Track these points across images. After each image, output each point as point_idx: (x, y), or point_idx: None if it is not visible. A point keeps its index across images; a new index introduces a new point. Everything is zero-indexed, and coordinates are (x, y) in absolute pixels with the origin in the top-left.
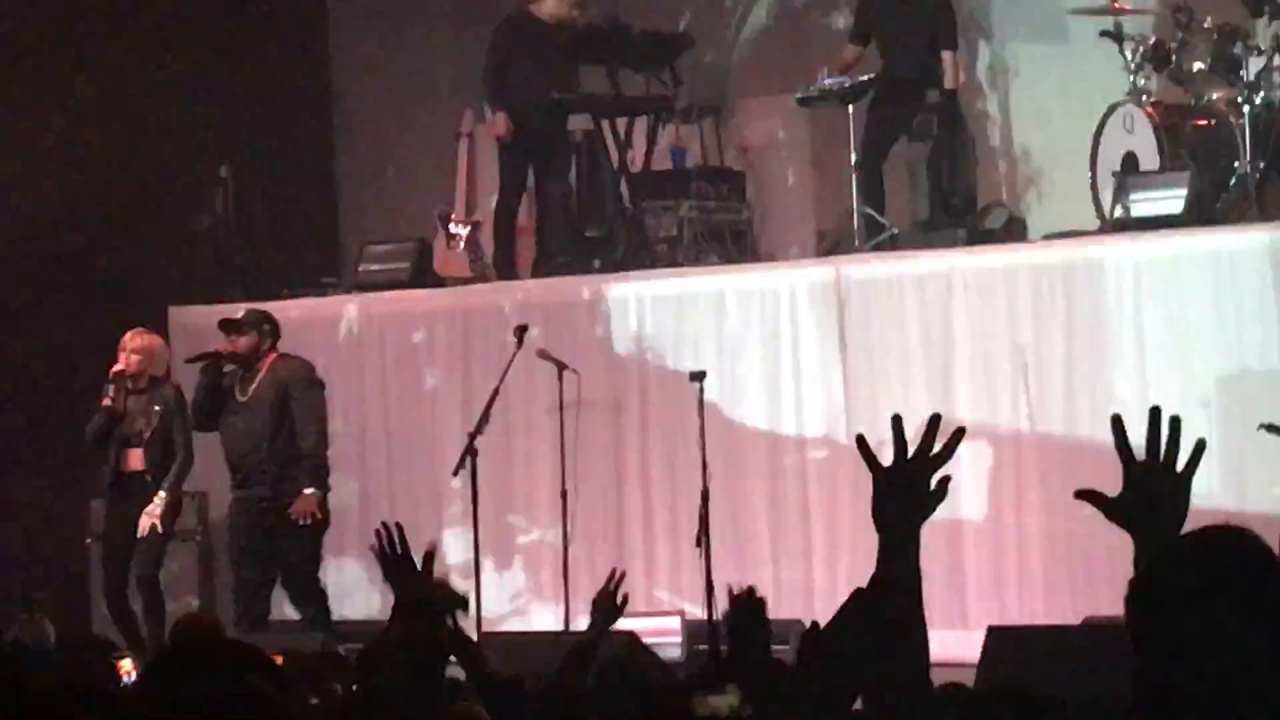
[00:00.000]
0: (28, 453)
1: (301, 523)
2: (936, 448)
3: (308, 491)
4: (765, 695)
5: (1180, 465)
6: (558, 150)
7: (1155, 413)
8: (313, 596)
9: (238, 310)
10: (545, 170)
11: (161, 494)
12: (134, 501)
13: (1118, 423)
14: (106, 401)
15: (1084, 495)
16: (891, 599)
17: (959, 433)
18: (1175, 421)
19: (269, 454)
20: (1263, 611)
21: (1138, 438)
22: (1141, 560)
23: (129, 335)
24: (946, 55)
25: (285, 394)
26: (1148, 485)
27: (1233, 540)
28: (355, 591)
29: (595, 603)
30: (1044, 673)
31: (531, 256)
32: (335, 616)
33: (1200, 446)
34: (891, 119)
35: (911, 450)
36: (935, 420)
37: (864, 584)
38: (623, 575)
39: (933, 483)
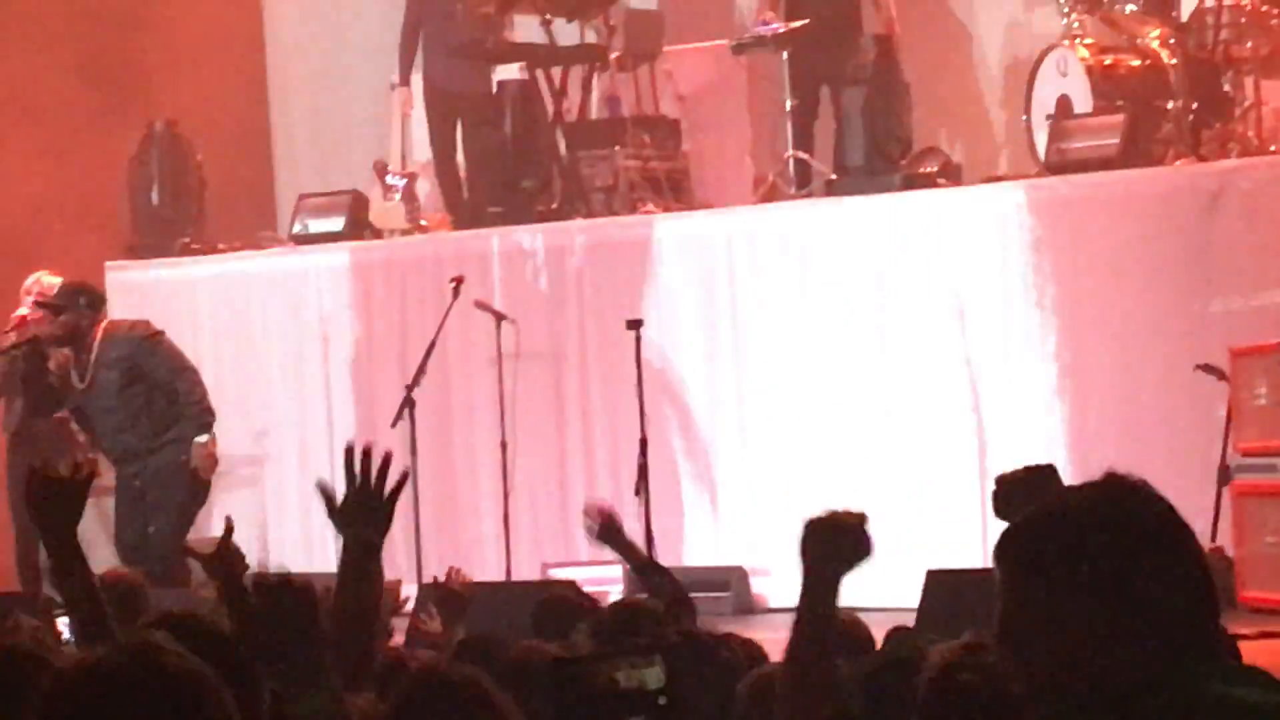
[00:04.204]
0: None
1: (204, 476)
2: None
3: (202, 440)
4: (681, 670)
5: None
6: (482, 103)
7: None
8: (174, 574)
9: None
10: (472, 123)
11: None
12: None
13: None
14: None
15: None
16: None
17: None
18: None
19: (138, 429)
20: (1141, 555)
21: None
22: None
23: (35, 279)
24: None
25: (132, 365)
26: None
27: (1118, 493)
28: (301, 546)
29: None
30: (983, 615)
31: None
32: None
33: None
34: (825, 63)
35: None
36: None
37: (803, 534)
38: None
39: (864, 534)
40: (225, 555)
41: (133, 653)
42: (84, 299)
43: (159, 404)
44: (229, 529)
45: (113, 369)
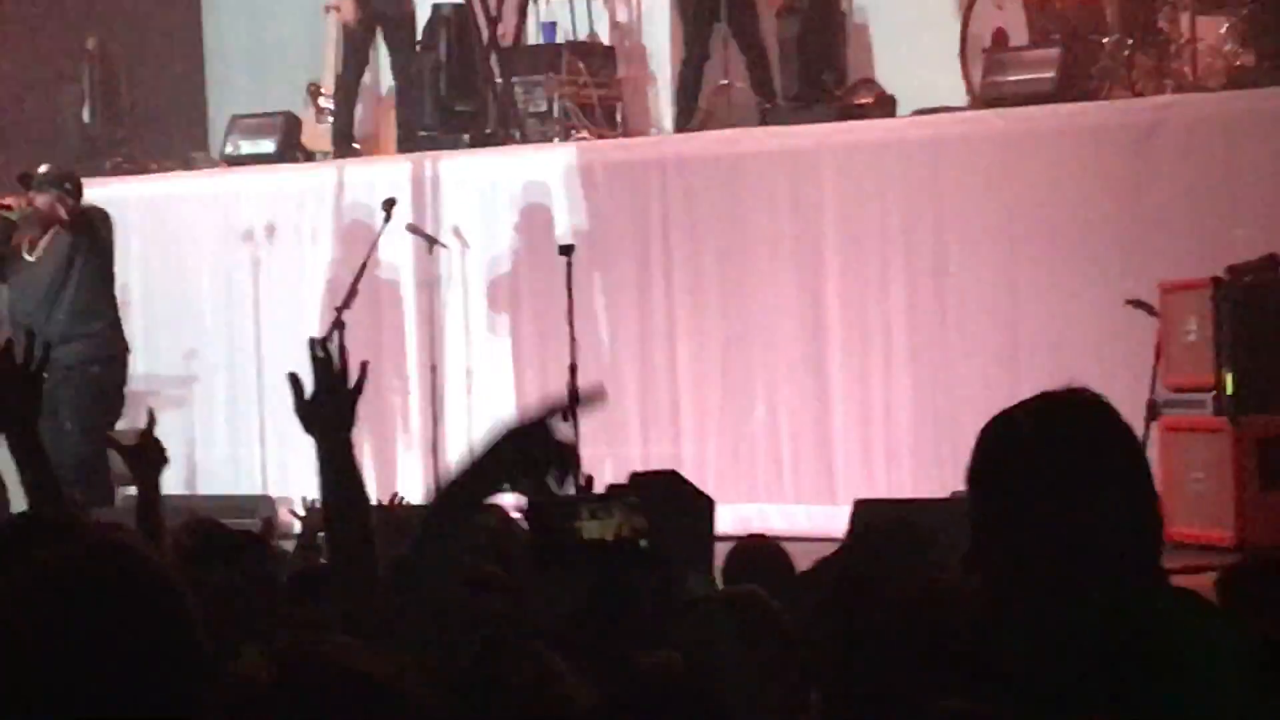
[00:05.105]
0: None
1: (96, 371)
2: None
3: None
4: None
5: None
6: (407, 24)
7: None
8: (96, 485)
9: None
10: (398, 45)
11: None
12: None
13: None
14: None
15: None
16: None
17: None
18: None
19: (55, 308)
20: (1100, 467)
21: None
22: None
23: None
24: None
25: (88, 238)
26: None
27: (1071, 400)
28: (228, 466)
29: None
30: (912, 546)
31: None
32: (210, 494)
33: None
34: None
35: None
36: None
37: (732, 459)
38: None
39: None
40: (147, 448)
41: (95, 551)
42: (69, 184)
43: (87, 290)
44: (151, 421)
45: (63, 243)
